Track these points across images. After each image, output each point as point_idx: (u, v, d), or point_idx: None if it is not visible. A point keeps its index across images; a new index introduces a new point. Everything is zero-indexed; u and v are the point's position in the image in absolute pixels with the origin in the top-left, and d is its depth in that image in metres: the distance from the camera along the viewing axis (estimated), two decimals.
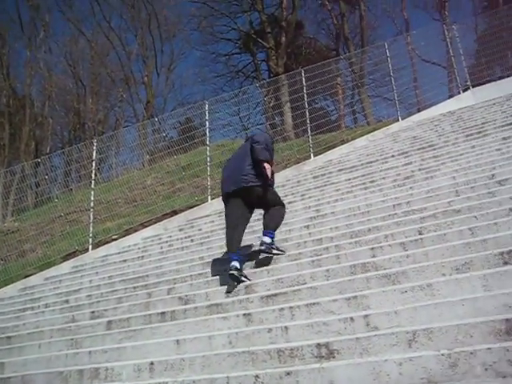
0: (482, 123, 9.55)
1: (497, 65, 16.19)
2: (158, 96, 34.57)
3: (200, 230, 9.28)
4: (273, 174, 5.68)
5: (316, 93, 14.42)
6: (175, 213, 11.48)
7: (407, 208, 5.94)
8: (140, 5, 33.97)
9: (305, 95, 13.48)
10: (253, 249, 6.29)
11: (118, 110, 36.04)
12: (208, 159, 12.42)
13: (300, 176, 10.99)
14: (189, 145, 13.15)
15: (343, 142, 12.99)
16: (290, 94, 15.19)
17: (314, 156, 12.49)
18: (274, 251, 5.46)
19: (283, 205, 5.79)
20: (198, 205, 11.51)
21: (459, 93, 15.06)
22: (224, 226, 5.83)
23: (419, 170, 7.74)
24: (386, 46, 14.85)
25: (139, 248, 9.62)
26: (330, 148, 12.67)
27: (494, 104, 11.35)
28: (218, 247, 7.25)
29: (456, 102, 13.87)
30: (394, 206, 6.23)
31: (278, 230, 5.81)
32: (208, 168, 12.27)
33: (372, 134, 12.98)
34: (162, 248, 8.85)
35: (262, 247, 5.40)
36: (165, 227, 10.78)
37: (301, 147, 13.30)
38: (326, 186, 9.07)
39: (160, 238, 9.85)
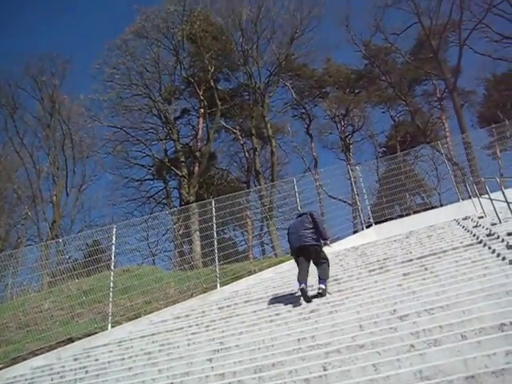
0: (384, 259, 9.95)
1: (396, 204, 17.31)
2: (65, 216, 33.85)
3: (97, 360, 8.69)
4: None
5: (225, 223, 14.61)
6: (71, 340, 10.78)
7: (312, 342, 5.90)
8: (56, 125, 34.11)
9: (214, 225, 13.59)
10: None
11: (20, 227, 34.81)
12: (111, 284, 11.97)
13: (205, 306, 10.75)
14: (93, 268, 12.67)
15: (250, 273, 13.05)
16: (199, 222, 15.31)
17: (221, 286, 12.40)
18: (327, 294, 8.28)
19: (328, 260, 8.62)
20: (96, 332, 10.90)
21: (363, 229, 15.85)
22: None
23: (324, 303, 7.80)
24: (295, 182, 15.55)
25: (26, 379, 8.81)
26: (237, 278, 12.64)
27: (395, 241, 11.94)
28: (115, 380, 6.78)
29: (360, 237, 14.52)
30: (298, 340, 6.16)
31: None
32: (111, 294, 11.79)
33: (279, 265, 13.14)
34: (52, 380, 8.17)
35: (320, 291, 8.21)
36: (58, 356, 10.02)
37: (208, 276, 13.16)
38: (231, 317, 8.91)
39: (51, 369, 9.10)
